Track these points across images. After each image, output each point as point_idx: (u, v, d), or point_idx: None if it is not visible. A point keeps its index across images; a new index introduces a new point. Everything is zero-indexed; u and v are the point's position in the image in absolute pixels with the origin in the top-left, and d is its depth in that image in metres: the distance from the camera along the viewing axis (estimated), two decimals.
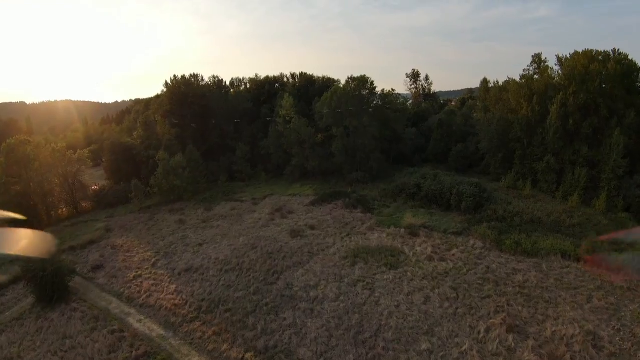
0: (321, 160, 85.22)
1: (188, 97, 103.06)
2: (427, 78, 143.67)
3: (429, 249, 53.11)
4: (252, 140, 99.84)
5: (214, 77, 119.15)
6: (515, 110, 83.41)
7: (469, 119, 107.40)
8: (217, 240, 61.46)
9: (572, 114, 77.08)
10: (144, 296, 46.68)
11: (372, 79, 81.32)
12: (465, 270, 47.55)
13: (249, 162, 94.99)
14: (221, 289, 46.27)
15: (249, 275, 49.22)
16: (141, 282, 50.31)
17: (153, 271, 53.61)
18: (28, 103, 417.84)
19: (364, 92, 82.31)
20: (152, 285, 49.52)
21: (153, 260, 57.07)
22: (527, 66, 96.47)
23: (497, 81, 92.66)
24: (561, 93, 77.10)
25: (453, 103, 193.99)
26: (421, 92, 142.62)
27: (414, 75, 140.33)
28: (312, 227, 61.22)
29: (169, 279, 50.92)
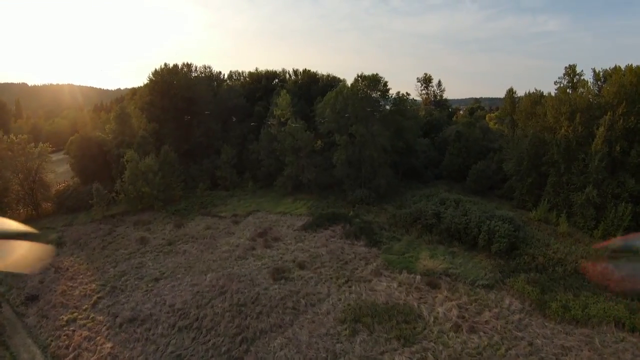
0: (319, 172, 70.62)
1: (171, 87, 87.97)
2: (439, 84, 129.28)
3: (454, 312, 39.29)
4: (241, 142, 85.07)
5: (204, 67, 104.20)
6: (552, 128, 68.77)
7: (487, 132, 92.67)
8: (178, 274, 47.19)
9: (618, 139, 62.90)
10: (71, 356, 34.87)
11: (385, 79, 66.63)
12: (503, 350, 34.57)
13: (235, 168, 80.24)
14: None
15: (209, 341, 35.34)
16: (73, 332, 38.60)
17: (91, 315, 41.37)
18: (30, 85, 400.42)
19: (375, 95, 67.61)
20: (85, 338, 37.45)
21: (95, 297, 45.04)
22: (559, 78, 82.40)
23: (528, 92, 77.81)
24: (609, 113, 62.82)
25: (461, 112, 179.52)
26: (432, 98, 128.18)
27: (426, 80, 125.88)
28: (302, 266, 46.87)
29: (106, 331, 38.63)
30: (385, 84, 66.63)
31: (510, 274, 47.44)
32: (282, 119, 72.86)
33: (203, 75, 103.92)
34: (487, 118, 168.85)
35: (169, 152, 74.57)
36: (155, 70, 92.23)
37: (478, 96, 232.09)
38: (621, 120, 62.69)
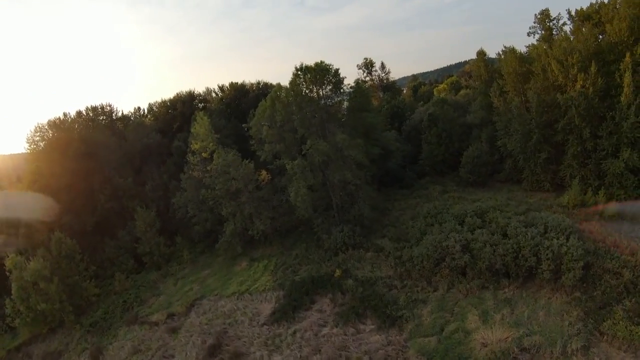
0: (274, 214, 48.41)
1: (69, 146, 63.28)
2: (383, 66, 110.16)
3: None
4: (162, 196, 61.08)
5: (102, 107, 78.94)
6: (559, 87, 50.50)
7: (459, 107, 73.98)
8: None
9: None
10: None
11: (335, 67, 45.15)
12: None
13: (160, 234, 56.24)
14: None
15: None
16: None
17: None
18: None
19: (325, 91, 46.03)
20: None
21: None
22: (531, 28, 65.13)
23: (506, 49, 59.45)
24: (627, 55, 46.09)
25: (404, 91, 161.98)
26: (378, 83, 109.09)
27: (368, 65, 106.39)
28: None
29: None
30: (337, 72, 45.12)
31: (600, 311, 30.46)
32: (205, 154, 49.80)
33: (102, 118, 78.67)
34: (435, 92, 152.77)
35: (63, 241, 50.02)
36: (43, 126, 66.79)
37: (410, 74, 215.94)
38: None
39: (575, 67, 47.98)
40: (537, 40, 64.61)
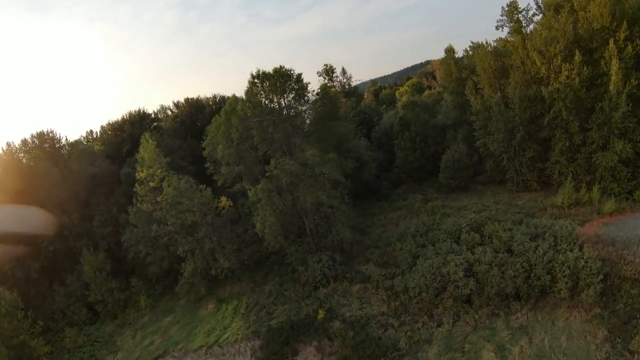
0: (240, 246, 41.11)
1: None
2: (344, 72, 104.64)
3: None
4: (112, 231, 52.38)
5: (40, 134, 69.40)
6: (541, 79, 46.00)
7: (430, 108, 69.11)
8: None
9: (630, 70, 42.51)
10: None
11: (296, 69, 38.41)
12: None
13: (114, 276, 47.57)
14: None
15: None
16: None
17: None
18: None
19: (288, 99, 39.22)
20: None
21: None
22: (499, 22, 61.09)
23: (486, 41, 54.78)
24: (610, 41, 42.03)
25: (365, 96, 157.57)
26: (340, 89, 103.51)
27: (328, 71, 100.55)
28: None
29: None
30: (300, 78, 38.35)
31: (625, 327, 26.17)
32: (152, 183, 41.85)
33: (46, 146, 69.04)
34: (397, 95, 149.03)
35: (2, 296, 41.06)
36: None
37: (368, 79, 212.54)
38: (629, 47, 41.81)
39: (559, 57, 43.50)
40: (508, 33, 60.68)
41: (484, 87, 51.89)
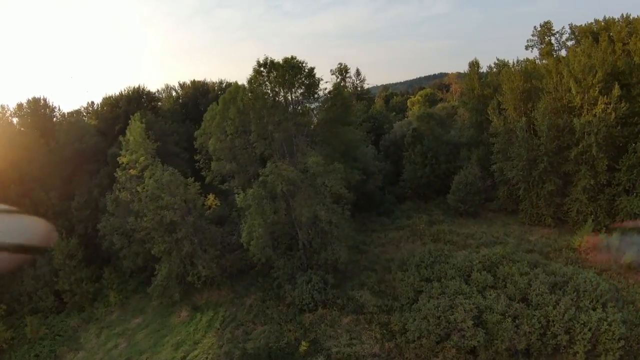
0: (223, 252, 36.51)
1: None
2: (358, 73, 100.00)
3: None
4: (91, 215, 47.72)
5: (29, 101, 64.95)
6: (574, 109, 41.52)
7: (444, 122, 64.50)
8: None
9: None
10: None
11: (309, 64, 33.48)
12: None
13: (85, 266, 42.89)
14: None
15: None
16: None
17: None
18: None
19: (296, 94, 34.55)
20: None
21: None
22: (529, 42, 57.00)
23: (514, 61, 50.55)
24: None
25: (376, 100, 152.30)
26: (352, 91, 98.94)
27: (341, 70, 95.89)
28: None
29: None
30: (312, 72, 33.53)
31: None
32: (133, 171, 37.21)
33: (31, 113, 64.51)
34: (408, 103, 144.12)
35: None
36: None
37: (379, 84, 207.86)
38: None
39: (597, 88, 38.88)
40: (538, 55, 56.24)
41: (507, 109, 47.28)
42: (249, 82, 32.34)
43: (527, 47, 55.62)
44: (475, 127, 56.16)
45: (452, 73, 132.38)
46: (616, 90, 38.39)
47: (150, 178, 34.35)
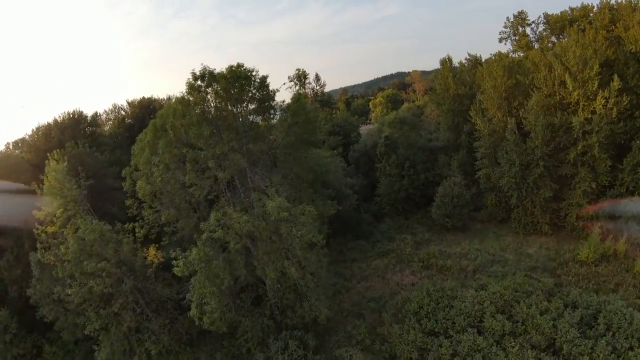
0: (176, 316, 28.24)
1: None
2: (317, 78, 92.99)
3: None
4: (22, 275, 37.70)
5: None
6: (568, 105, 35.97)
7: (415, 126, 58.45)
8: None
9: None
10: None
11: (260, 72, 25.74)
12: None
13: (23, 337, 33.32)
14: None
15: None
16: None
17: None
18: None
19: (247, 109, 26.67)
20: None
21: None
22: (502, 34, 51.96)
23: (493, 55, 45.17)
24: None
25: (337, 105, 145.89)
26: (312, 97, 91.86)
27: (300, 77, 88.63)
28: None
29: None
30: (265, 82, 25.72)
31: None
32: (51, 227, 28.42)
33: None
34: (371, 105, 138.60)
35: None
36: None
37: (338, 87, 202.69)
38: None
39: (596, 81, 33.32)
40: (512, 47, 50.99)
41: (490, 109, 41.34)
42: (180, 102, 24.20)
43: (500, 40, 50.39)
44: (451, 130, 50.26)
45: (414, 71, 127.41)
46: (616, 82, 33.01)
47: (73, 234, 25.78)
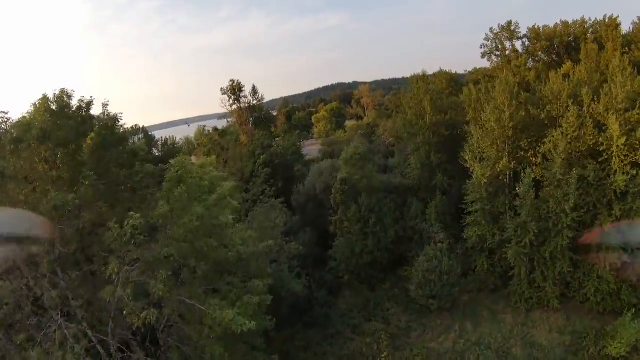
0: None
1: None
2: (254, 91, 78.59)
3: None
4: None
5: None
6: (610, 152, 25.75)
7: (367, 158, 46.73)
8: None
9: None
10: None
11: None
12: None
13: None
14: None
15: None
16: None
17: None
18: None
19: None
20: None
21: None
22: (484, 47, 42.29)
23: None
24: None
25: (275, 114, 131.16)
26: (248, 113, 77.85)
27: (234, 89, 74.21)
28: None
29: None
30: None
31: None
32: None
33: None
34: (313, 120, 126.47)
35: None
36: None
37: (279, 97, 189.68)
38: None
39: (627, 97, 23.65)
40: (495, 64, 41.13)
41: (488, 149, 30.41)
42: None
43: (483, 55, 40.24)
44: (425, 168, 39.23)
45: (363, 85, 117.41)
46: None
47: None
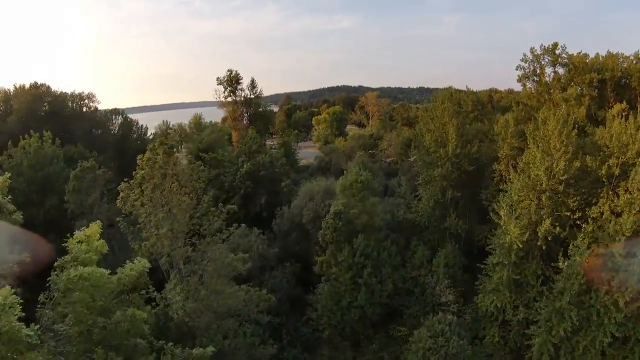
0: None
1: None
2: (253, 85, 71.49)
3: None
4: None
5: None
6: None
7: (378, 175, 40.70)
8: None
9: None
10: None
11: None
12: None
13: None
14: None
15: None
16: None
17: None
18: None
19: None
20: None
21: None
22: (520, 69, 35.66)
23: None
24: None
25: (275, 110, 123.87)
26: (244, 107, 71.01)
27: (231, 80, 67.24)
28: None
29: None
30: None
31: None
32: None
33: None
34: (314, 122, 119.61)
35: None
36: None
37: (281, 92, 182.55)
38: None
39: None
40: (533, 89, 34.59)
41: (524, 204, 23.80)
42: None
43: (519, 79, 33.62)
44: (439, 206, 32.70)
45: (369, 90, 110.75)
46: None
47: None
